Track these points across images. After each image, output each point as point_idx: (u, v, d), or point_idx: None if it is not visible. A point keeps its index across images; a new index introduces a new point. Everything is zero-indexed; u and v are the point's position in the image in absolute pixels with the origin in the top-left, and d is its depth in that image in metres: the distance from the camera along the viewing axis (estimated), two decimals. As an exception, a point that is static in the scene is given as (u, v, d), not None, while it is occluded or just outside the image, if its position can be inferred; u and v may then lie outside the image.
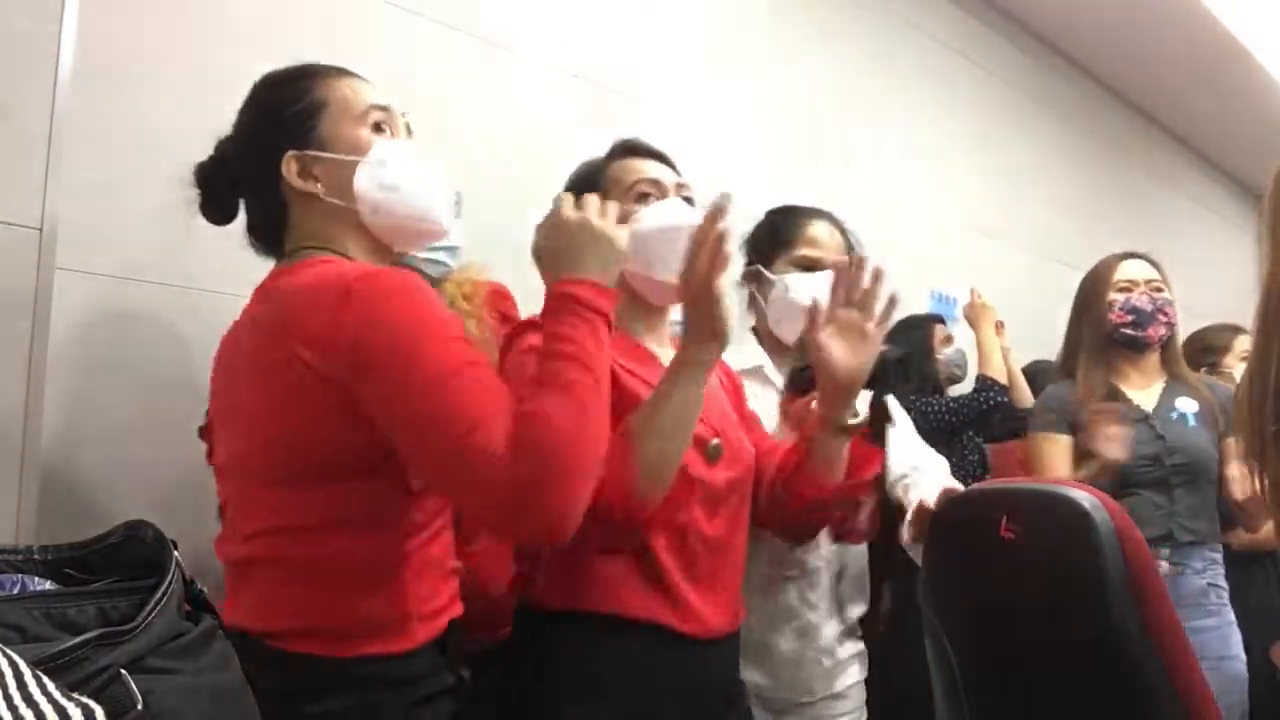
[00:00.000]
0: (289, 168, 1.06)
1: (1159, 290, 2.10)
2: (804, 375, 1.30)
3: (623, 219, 1.16)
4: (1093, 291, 2.14)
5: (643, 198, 1.26)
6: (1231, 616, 1.95)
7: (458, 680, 1.07)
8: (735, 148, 2.53)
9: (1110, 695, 1.05)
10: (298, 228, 1.09)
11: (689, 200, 1.29)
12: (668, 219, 1.23)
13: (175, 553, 0.74)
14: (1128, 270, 2.12)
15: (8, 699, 0.52)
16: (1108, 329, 2.08)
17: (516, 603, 1.27)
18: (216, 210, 1.15)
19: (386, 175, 1.07)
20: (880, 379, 1.30)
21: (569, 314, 1.00)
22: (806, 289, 1.43)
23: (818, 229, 1.55)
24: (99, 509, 1.40)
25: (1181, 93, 4.37)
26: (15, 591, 0.68)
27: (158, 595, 0.68)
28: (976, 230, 3.32)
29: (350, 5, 1.81)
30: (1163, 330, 2.08)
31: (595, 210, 1.07)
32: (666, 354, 1.30)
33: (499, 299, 1.53)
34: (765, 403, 1.34)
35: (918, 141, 3.18)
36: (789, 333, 1.49)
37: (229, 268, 1.40)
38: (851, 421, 1.26)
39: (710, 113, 2.48)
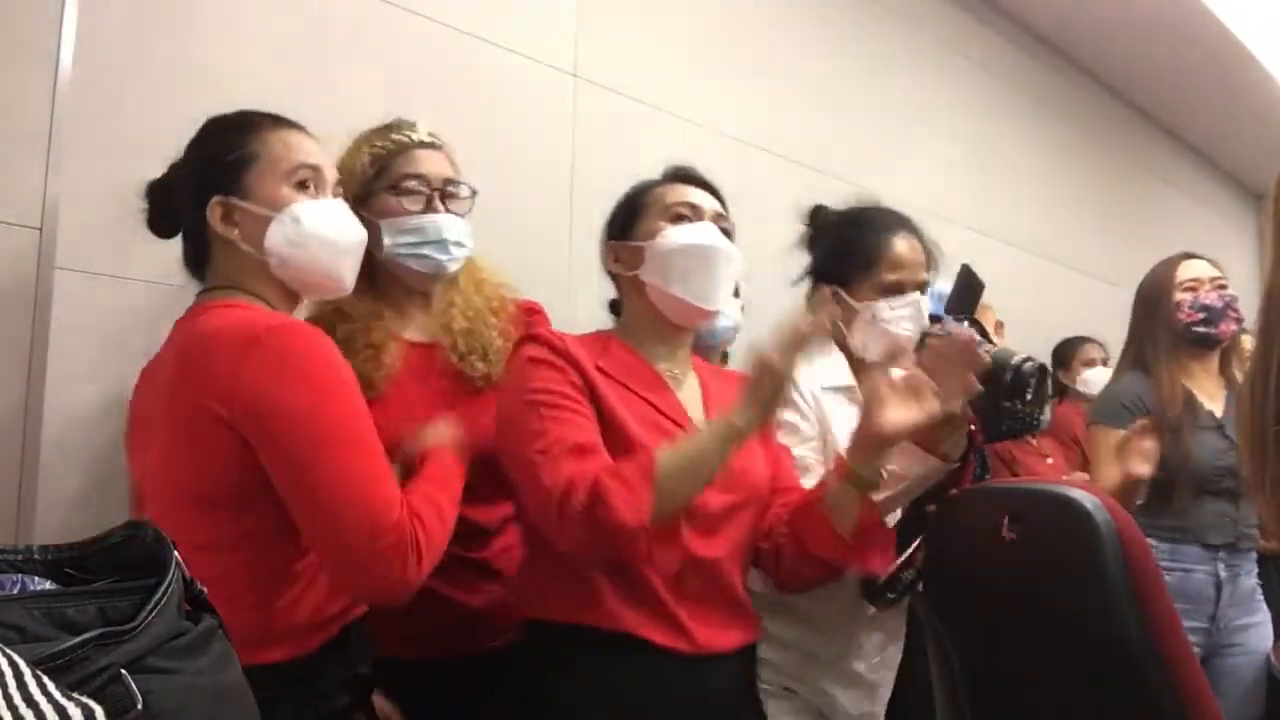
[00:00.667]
0: (214, 212, 1.15)
1: (1223, 287, 2.10)
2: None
3: (650, 236, 1.31)
4: (1157, 294, 2.13)
5: (678, 219, 1.31)
6: (1267, 614, 2.03)
7: (352, 676, 1.16)
8: (734, 147, 2.53)
9: (1110, 695, 1.05)
10: (216, 267, 1.19)
11: (726, 233, 1.34)
12: (692, 238, 1.29)
13: (175, 552, 0.74)
14: (1190, 269, 2.12)
15: (8, 699, 0.52)
16: (1178, 329, 2.08)
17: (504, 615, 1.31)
18: (158, 226, 1.25)
19: (296, 233, 1.15)
20: (1016, 390, 1.31)
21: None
22: (896, 319, 1.48)
23: (900, 247, 1.51)
24: (99, 509, 1.40)
25: (1181, 93, 4.37)
26: (15, 591, 0.68)
27: (158, 595, 0.68)
28: (976, 230, 3.32)
29: (349, 5, 1.81)
30: (1234, 326, 2.08)
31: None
32: (685, 379, 1.35)
33: (529, 314, 1.54)
34: (852, 423, 1.30)
35: (916, 140, 3.18)
36: (876, 358, 1.48)
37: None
38: (870, 476, 1.26)
39: (710, 112, 2.48)
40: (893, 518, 1.37)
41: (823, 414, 1.46)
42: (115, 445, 1.44)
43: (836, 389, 1.49)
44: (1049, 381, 1.27)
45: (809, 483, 1.38)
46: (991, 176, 3.56)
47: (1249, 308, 1.35)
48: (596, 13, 2.23)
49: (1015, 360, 1.29)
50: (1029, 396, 1.28)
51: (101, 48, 1.44)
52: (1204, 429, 2.01)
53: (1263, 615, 2.02)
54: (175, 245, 1.48)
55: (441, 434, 1.25)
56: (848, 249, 1.53)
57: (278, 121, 1.21)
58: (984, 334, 1.28)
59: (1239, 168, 5.31)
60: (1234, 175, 5.37)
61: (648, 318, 1.34)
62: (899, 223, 1.54)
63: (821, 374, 1.50)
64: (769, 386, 1.17)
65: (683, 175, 1.38)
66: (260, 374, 1.02)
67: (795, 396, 1.45)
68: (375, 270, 1.40)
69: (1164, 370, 2.06)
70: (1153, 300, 2.14)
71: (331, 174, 1.23)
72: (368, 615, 1.19)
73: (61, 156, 1.38)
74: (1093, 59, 4.11)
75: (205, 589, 0.74)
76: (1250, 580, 2.03)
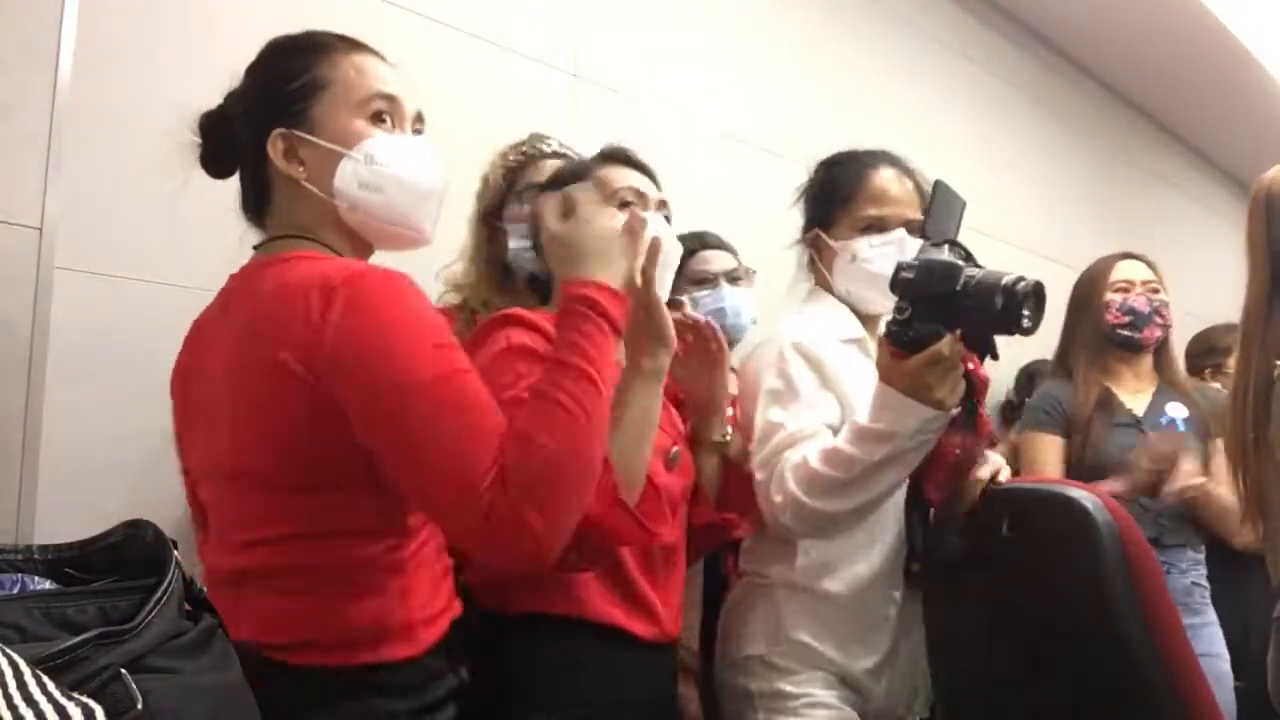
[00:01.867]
0: (275, 147, 1.01)
1: (1155, 291, 2.10)
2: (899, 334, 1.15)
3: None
4: (1089, 291, 2.14)
5: (625, 206, 1.25)
6: (1213, 616, 2.00)
7: (460, 682, 1.06)
8: (735, 147, 2.53)
9: (1111, 695, 1.05)
10: (279, 211, 1.05)
11: (667, 219, 1.31)
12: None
13: (175, 552, 0.74)
14: (1125, 270, 2.12)
15: (8, 698, 0.52)
16: (1104, 329, 2.08)
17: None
18: (214, 164, 1.11)
19: (370, 174, 1.01)
20: (1010, 318, 1.12)
21: (581, 319, 0.96)
22: (877, 258, 1.36)
23: (881, 179, 1.41)
24: (99, 509, 1.39)
25: (1181, 93, 4.36)
26: (15, 591, 0.68)
27: (158, 594, 0.68)
28: (976, 230, 3.31)
29: (349, 5, 1.81)
30: (1158, 333, 2.08)
31: (615, 220, 1.08)
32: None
33: None
34: (867, 377, 1.22)
35: (917, 140, 3.17)
36: (866, 303, 1.42)
37: (229, 267, 1.40)
38: (717, 440, 1.33)
39: (710, 112, 2.48)
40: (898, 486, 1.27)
41: (825, 370, 1.33)
42: (115, 445, 1.44)
43: (847, 341, 1.39)
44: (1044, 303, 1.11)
45: (806, 452, 1.25)
46: (991, 176, 3.56)
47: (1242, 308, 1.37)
48: (596, 13, 2.22)
49: (1006, 281, 1.09)
50: (1025, 324, 1.10)
51: (101, 48, 1.44)
52: (1119, 425, 2.01)
53: (1203, 618, 1.97)
54: (175, 245, 1.49)
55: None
56: (829, 188, 1.46)
57: (351, 44, 1.08)
58: (968, 257, 1.16)
59: (1239, 168, 5.30)
60: (1234, 175, 5.36)
61: None
62: (884, 157, 1.45)
63: (828, 327, 1.39)
64: (652, 314, 1.08)
65: (621, 156, 1.31)
66: (342, 318, 0.89)
67: (778, 356, 1.34)
68: (505, 273, 1.50)
69: (1083, 372, 2.07)
70: (1084, 297, 2.15)
71: (412, 106, 1.09)
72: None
73: (61, 156, 1.38)
74: (1092, 59, 4.11)
75: (204, 589, 0.74)
76: (1185, 579, 1.98)
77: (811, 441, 1.26)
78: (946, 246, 1.17)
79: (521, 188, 1.51)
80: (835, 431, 1.27)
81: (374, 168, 1.02)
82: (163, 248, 1.49)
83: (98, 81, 1.43)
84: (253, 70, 1.09)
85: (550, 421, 0.89)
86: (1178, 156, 4.92)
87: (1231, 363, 2.55)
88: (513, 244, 1.47)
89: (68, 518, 1.37)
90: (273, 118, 1.03)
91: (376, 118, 1.04)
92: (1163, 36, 3.83)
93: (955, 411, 1.17)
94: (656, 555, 1.23)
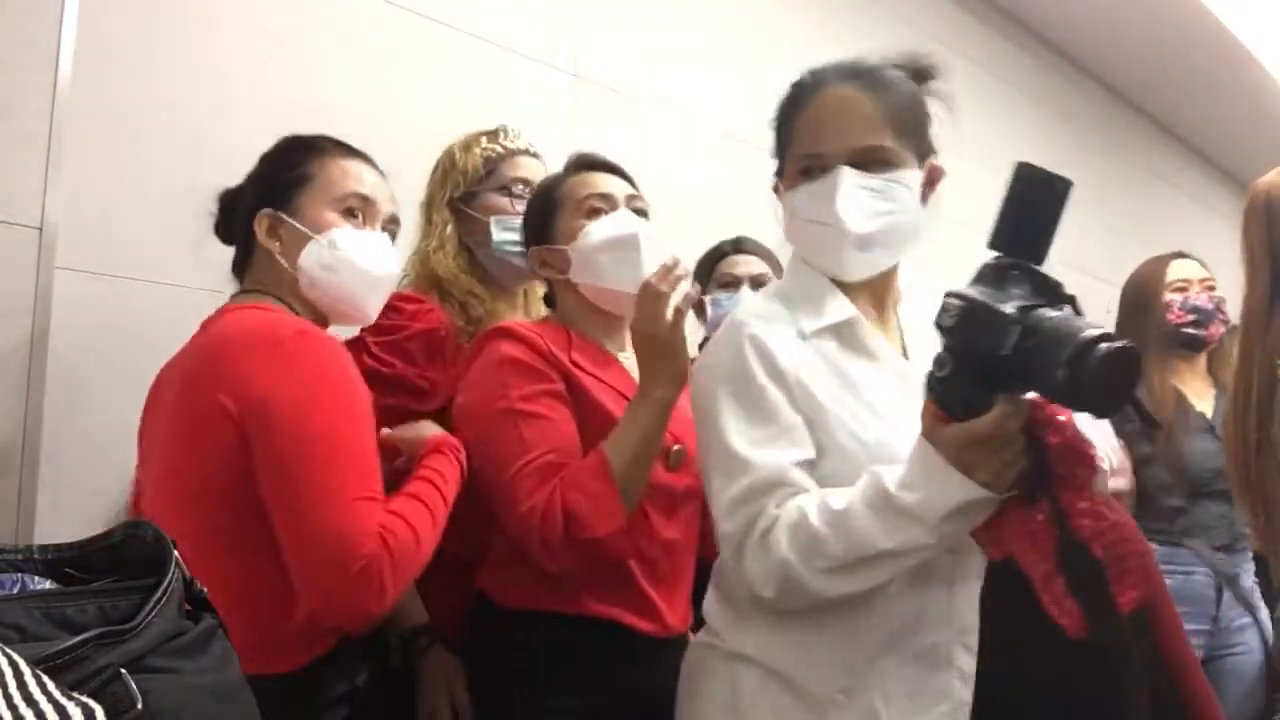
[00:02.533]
0: (260, 224, 1.19)
1: (1212, 288, 2.09)
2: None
3: (571, 236, 1.30)
4: (1145, 293, 2.12)
5: (594, 213, 1.31)
6: (1266, 610, 2.05)
7: (351, 688, 1.14)
8: (735, 147, 2.53)
9: (1111, 695, 1.05)
10: (254, 273, 1.22)
11: (641, 212, 1.35)
12: (611, 231, 1.29)
13: (175, 552, 0.74)
14: (1180, 270, 2.11)
15: (8, 698, 0.52)
16: (1167, 330, 2.06)
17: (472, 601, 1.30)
18: (223, 232, 1.28)
19: (331, 257, 1.17)
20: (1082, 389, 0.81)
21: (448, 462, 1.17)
22: (815, 210, 1.07)
23: (820, 104, 1.09)
24: (99, 509, 1.40)
25: (1181, 93, 4.36)
26: (15, 591, 0.68)
27: (158, 594, 0.68)
28: (976, 230, 3.32)
29: (349, 4, 1.81)
30: (1222, 328, 2.07)
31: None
32: (627, 357, 1.35)
33: None
34: (861, 380, 1.05)
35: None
36: (830, 269, 1.11)
37: (229, 268, 1.40)
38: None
39: (710, 112, 2.48)
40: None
41: (788, 381, 1.02)
42: (115, 445, 1.44)
43: (822, 331, 1.06)
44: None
45: (805, 508, 0.98)
46: (991, 175, 3.56)
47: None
48: (596, 12, 2.23)
49: (1079, 341, 0.77)
50: (1106, 403, 0.79)
51: (101, 48, 1.44)
52: (1196, 431, 2.01)
53: (1263, 614, 2.04)
54: (175, 245, 1.49)
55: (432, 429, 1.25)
56: (778, 123, 1.18)
57: (346, 151, 1.24)
58: (1045, 289, 0.84)
59: (1239, 168, 5.30)
60: (1234, 175, 5.36)
61: (587, 311, 1.33)
62: (837, 72, 1.08)
63: (802, 309, 1.07)
64: (670, 354, 1.18)
65: (586, 163, 1.37)
66: (273, 373, 1.03)
67: (735, 352, 1.04)
68: (472, 259, 1.52)
69: (1154, 372, 2.05)
70: (1141, 300, 2.13)
71: (387, 208, 1.25)
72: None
73: (61, 156, 1.38)
74: (1093, 59, 4.11)
75: (205, 589, 0.74)
76: (1249, 580, 2.04)
77: (806, 496, 0.98)
78: (1014, 273, 0.86)
79: (506, 181, 1.51)
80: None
81: (335, 252, 1.18)
82: (163, 248, 1.49)
83: (98, 81, 1.43)
84: (263, 159, 1.25)
85: (429, 533, 1.08)
86: (1178, 156, 4.92)
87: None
88: (497, 236, 1.47)
89: (67, 518, 1.37)
90: (265, 199, 1.20)
91: (349, 213, 1.21)
92: (1163, 36, 3.83)
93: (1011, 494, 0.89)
94: (658, 554, 1.24)
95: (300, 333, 1.08)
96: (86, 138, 1.41)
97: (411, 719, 1.28)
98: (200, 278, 1.51)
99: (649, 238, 1.30)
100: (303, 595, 1.04)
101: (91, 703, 0.56)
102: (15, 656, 0.55)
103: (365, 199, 1.22)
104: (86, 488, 1.40)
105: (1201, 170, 5.15)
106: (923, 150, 1.09)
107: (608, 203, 1.32)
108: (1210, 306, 2.06)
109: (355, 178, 1.22)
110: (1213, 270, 2.15)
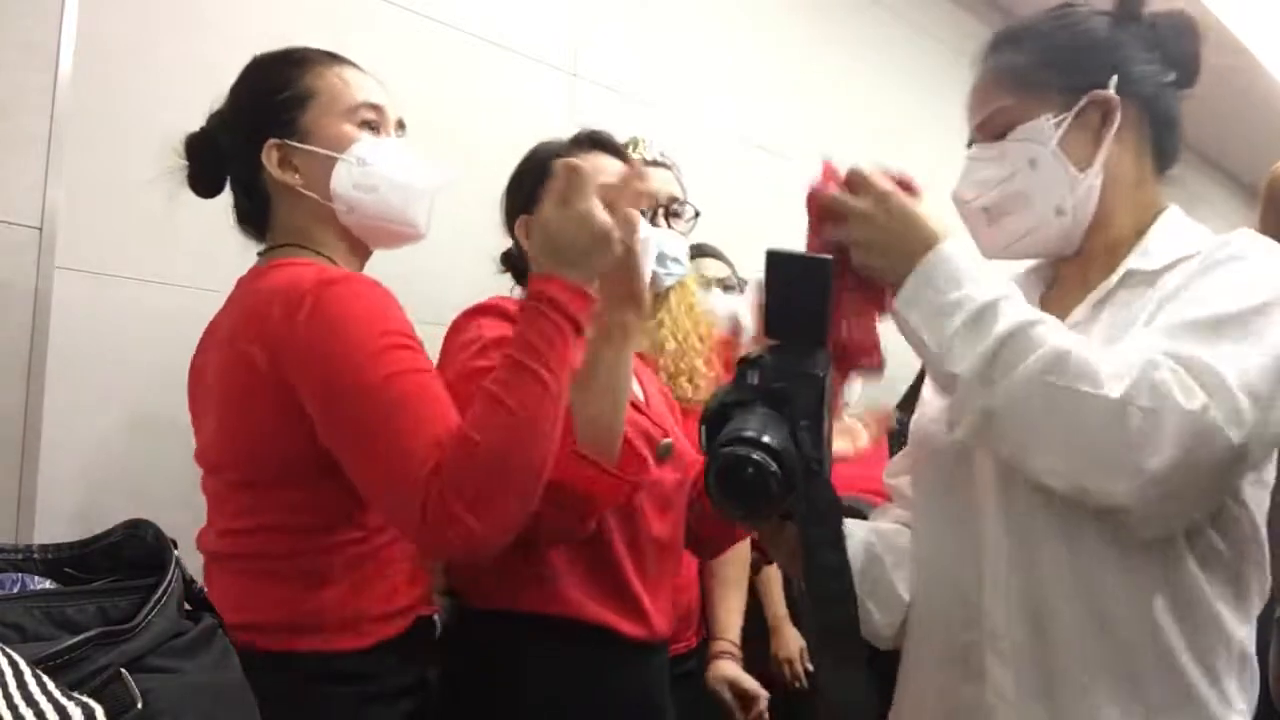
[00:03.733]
0: (269, 156, 1.06)
1: None
2: None
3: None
4: None
5: (367, 127, 1.15)
6: None
7: (417, 680, 1.08)
8: (734, 146, 2.53)
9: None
10: (278, 221, 1.10)
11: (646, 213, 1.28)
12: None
13: (175, 552, 0.74)
14: None
15: (8, 698, 0.52)
16: None
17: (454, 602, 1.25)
18: (202, 184, 1.15)
19: (364, 175, 1.06)
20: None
21: (541, 318, 0.95)
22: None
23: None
24: (99, 508, 1.39)
25: (1182, 92, 4.36)
26: (15, 590, 0.68)
27: (158, 594, 0.68)
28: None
29: (349, 3, 1.81)
30: None
31: (600, 207, 0.98)
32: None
33: (726, 346, 1.56)
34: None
35: (920, 142, 3.18)
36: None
37: (229, 267, 1.40)
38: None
39: (709, 112, 2.48)
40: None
41: None
42: (115, 445, 1.44)
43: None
44: None
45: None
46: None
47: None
48: (595, 12, 2.22)
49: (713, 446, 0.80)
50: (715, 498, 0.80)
51: (101, 47, 1.44)
52: None
53: None
54: (175, 245, 1.49)
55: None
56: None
57: (332, 57, 1.12)
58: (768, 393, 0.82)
59: (1239, 168, 5.30)
60: (1234, 175, 5.36)
61: None
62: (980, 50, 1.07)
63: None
64: (623, 269, 1.03)
65: (598, 142, 1.27)
66: (310, 322, 0.94)
67: None
68: None
69: None
70: None
71: (394, 113, 1.14)
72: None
73: (61, 156, 1.38)
74: (1093, 59, 4.11)
75: (205, 588, 0.74)
76: None
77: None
78: (759, 360, 0.84)
79: None
80: None
81: (366, 169, 1.06)
82: (162, 248, 1.49)
83: (98, 81, 1.43)
84: (237, 87, 1.12)
85: (493, 422, 0.90)
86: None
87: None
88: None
89: (67, 517, 1.37)
90: (264, 129, 1.06)
91: (366, 125, 1.09)
92: (1163, 36, 3.82)
93: None
94: (649, 552, 1.19)
95: (324, 282, 0.97)
96: (86, 138, 1.41)
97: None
98: (200, 277, 1.51)
99: (644, 239, 1.23)
100: (405, 536, 1.00)
101: (91, 702, 0.56)
102: (15, 656, 0.55)
103: (377, 108, 1.11)
104: (86, 488, 1.40)
105: (1201, 170, 5.15)
106: (1071, 87, 0.98)
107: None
108: None
109: (361, 86, 1.11)
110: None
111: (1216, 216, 5.20)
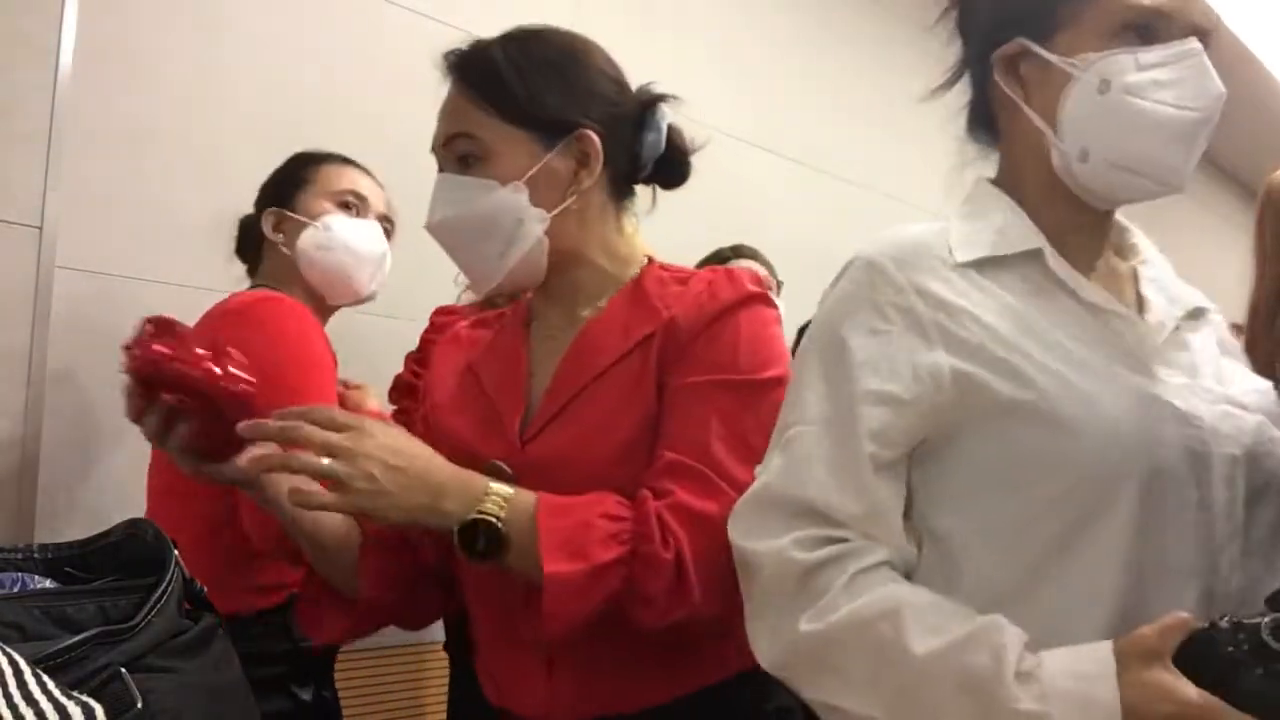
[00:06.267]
0: (267, 221, 1.32)
1: None
2: None
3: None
4: None
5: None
6: None
7: (293, 650, 1.17)
8: (734, 146, 2.53)
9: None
10: (263, 266, 1.35)
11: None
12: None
13: (175, 551, 0.74)
14: None
15: (8, 697, 0.52)
16: None
17: None
18: (241, 253, 1.39)
19: (326, 239, 1.30)
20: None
21: None
22: (1155, 85, 0.72)
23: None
24: (99, 508, 1.40)
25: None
26: (15, 590, 0.68)
27: (158, 594, 0.68)
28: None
29: (349, 3, 1.81)
30: None
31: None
32: None
33: None
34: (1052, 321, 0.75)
35: (920, 142, 3.18)
36: (1131, 160, 0.77)
37: (228, 267, 1.40)
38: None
39: (707, 111, 2.48)
40: None
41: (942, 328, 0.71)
42: (115, 445, 1.44)
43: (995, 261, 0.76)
44: None
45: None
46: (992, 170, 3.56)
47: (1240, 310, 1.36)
48: (594, 12, 2.22)
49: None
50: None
51: (101, 47, 1.44)
52: None
53: None
54: (173, 244, 1.49)
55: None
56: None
57: (344, 160, 1.38)
58: None
59: (1239, 168, 5.30)
60: (1234, 175, 5.36)
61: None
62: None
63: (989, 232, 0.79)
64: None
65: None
66: (237, 333, 1.03)
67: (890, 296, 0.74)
68: None
69: None
70: None
71: (379, 208, 1.38)
72: None
73: (61, 156, 1.38)
74: (1093, 59, 4.11)
75: (205, 588, 0.74)
76: None
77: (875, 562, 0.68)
78: None
79: None
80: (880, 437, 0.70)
81: (329, 234, 1.31)
82: (162, 248, 1.49)
83: (98, 81, 1.43)
84: (272, 174, 1.36)
85: None
86: (1178, 156, 4.93)
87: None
88: None
89: (67, 517, 1.37)
90: (271, 201, 1.33)
91: (344, 205, 1.34)
92: (1163, 36, 3.82)
93: None
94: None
95: (261, 300, 1.19)
96: (86, 138, 1.41)
97: None
98: (200, 277, 1.51)
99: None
100: None
101: (91, 702, 0.56)
102: (15, 655, 0.55)
103: (359, 195, 1.36)
104: (86, 487, 1.40)
105: (1201, 170, 5.12)
106: None
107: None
108: None
109: (353, 180, 1.36)
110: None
111: (1216, 217, 5.20)
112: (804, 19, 2.81)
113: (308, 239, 1.30)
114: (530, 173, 0.89)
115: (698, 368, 0.84)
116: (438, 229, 0.91)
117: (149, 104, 1.49)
